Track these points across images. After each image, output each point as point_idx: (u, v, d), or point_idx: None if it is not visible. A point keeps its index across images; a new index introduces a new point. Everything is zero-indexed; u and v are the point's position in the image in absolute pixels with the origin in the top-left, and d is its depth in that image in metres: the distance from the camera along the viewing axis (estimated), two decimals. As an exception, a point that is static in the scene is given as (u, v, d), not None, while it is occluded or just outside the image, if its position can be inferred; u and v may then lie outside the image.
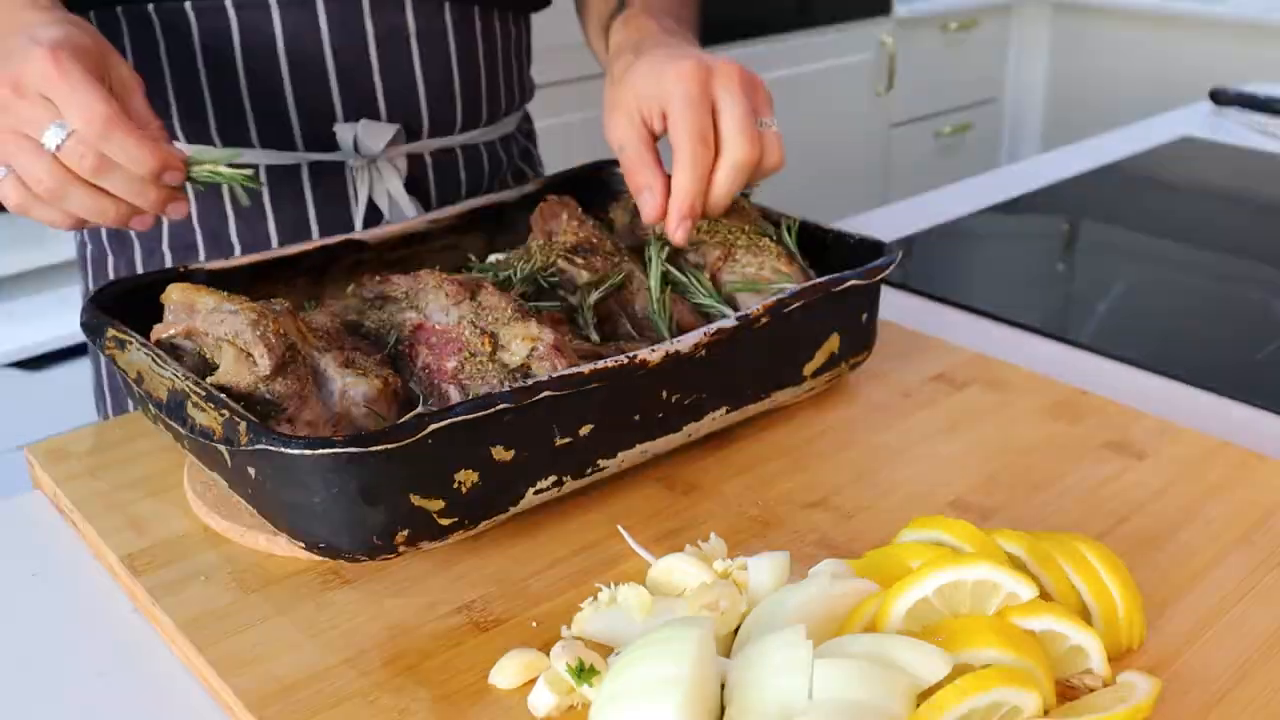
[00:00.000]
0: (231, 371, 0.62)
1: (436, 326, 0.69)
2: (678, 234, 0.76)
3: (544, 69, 1.98)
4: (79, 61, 0.67)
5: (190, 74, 0.90)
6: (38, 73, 0.67)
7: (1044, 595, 0.56)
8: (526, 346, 0.67)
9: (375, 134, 0.93)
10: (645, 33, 0.86)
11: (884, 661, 0.50)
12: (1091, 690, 0.55)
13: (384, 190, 0.95)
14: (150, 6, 0.88)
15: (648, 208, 0.78)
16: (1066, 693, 0.55)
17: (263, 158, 0.92)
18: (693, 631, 0.51)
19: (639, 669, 0.50)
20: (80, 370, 1.77)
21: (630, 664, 0.51)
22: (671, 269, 0.80)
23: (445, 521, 0.62)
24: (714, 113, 0.75)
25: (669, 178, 0.76)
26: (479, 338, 0.67)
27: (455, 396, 0.66)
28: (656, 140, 0.80)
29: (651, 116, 0.78)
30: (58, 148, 0.67)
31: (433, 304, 0.70)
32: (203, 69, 0.90)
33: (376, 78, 0.93)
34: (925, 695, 0.50)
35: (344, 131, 0.92)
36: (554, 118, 2.20)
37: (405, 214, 0.95)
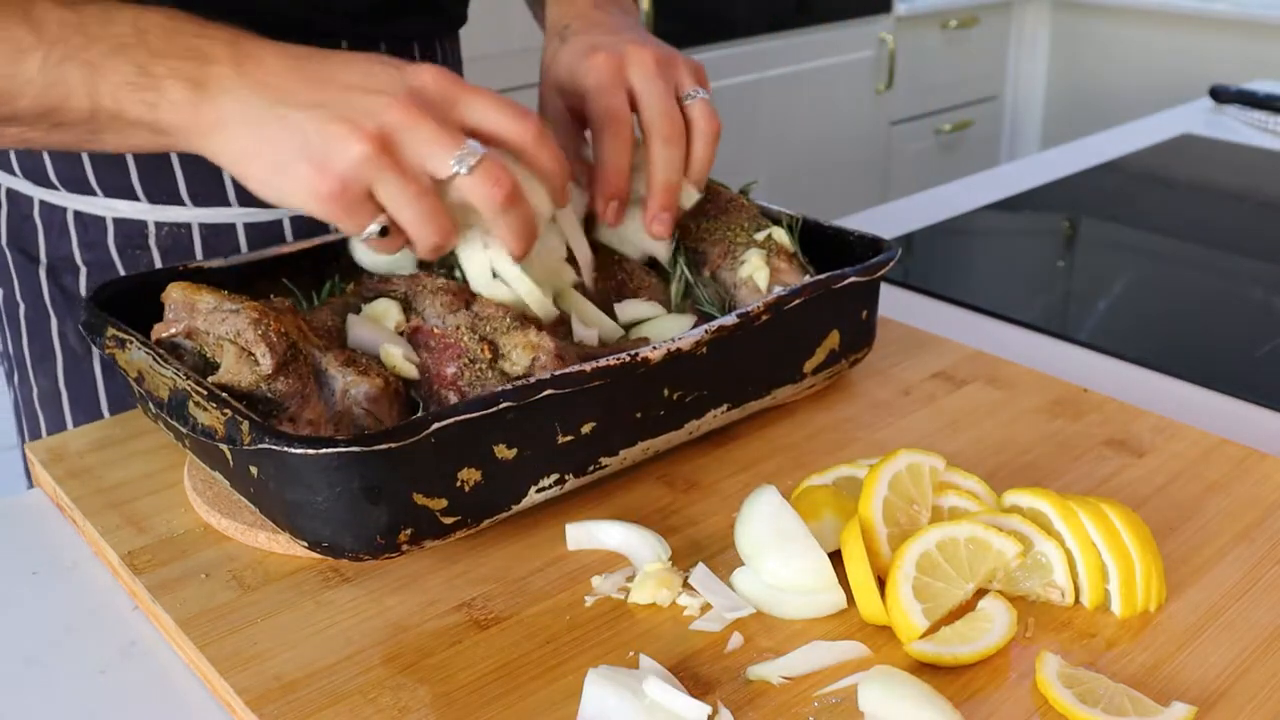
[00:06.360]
0: (233, 370, 0.62)
1: (435, 330, 0.69)
2: (609, 215, 0.78)
3: (513, 74, 1.99)
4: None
5: None
6: (434, 80, 0.64)
7: (1065, 552, 0.60)
8: (528, 355, 0.67)
9: None
10: (575, 12, 0.86)
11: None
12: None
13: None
14: None
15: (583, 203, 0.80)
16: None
17: (240, 216, 0.90)
18: None
19: None
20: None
21: None
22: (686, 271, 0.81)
23: (448, 520, 0.62)
24: (633, 96, 0.77)
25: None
26: (478, 345, 0.67)
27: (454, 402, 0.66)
28: (584, 128, 0.81)
29: (575, 107, 0.80)
30: (468, 171, 0.62)
31: (429, 308, 0.70)
32: None
33: None
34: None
35: None
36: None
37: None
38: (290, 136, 0.62)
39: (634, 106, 0.77)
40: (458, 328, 0.68)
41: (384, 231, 0.64)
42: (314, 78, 0.63)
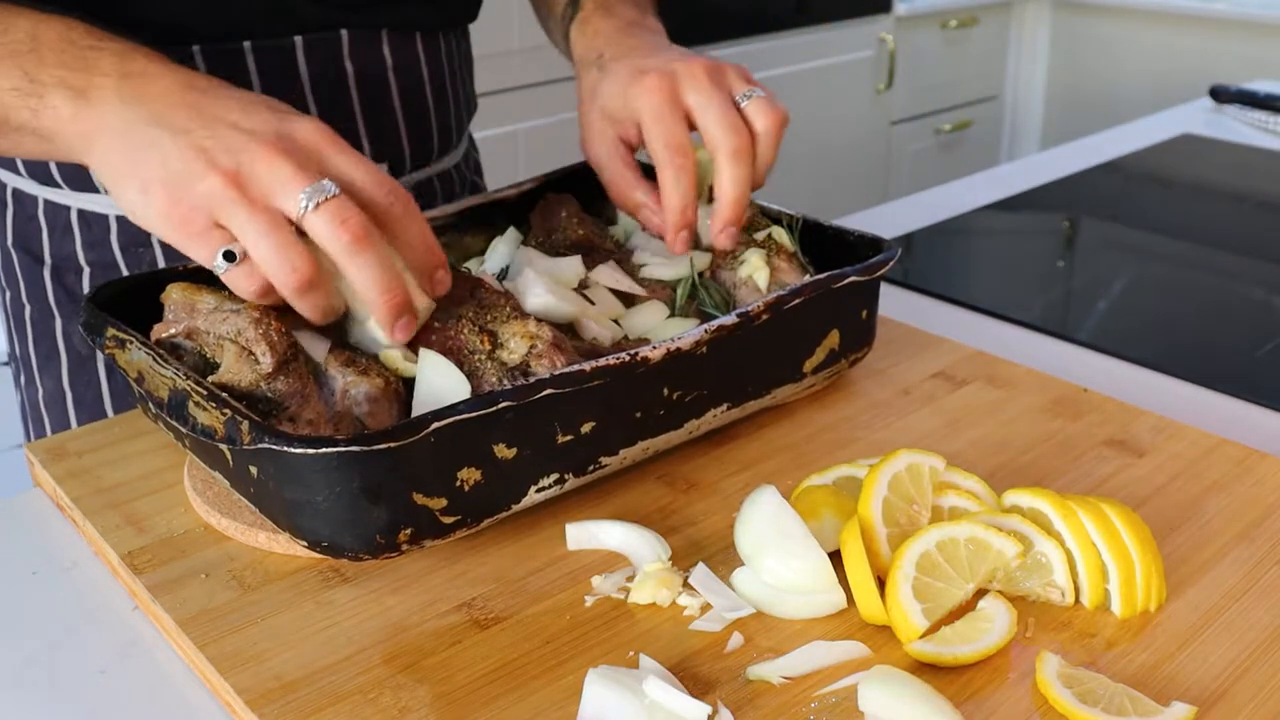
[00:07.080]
0: (233, 370, 0.62)
1: (435, 325, 0.69)
2: (677, 246, 0.79)
3: (513, 74, 1.98)
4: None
5: None
6: (308, 131, 0.63)
7: (1065, 552, 0.60)
8: (525, 344, 0.67)
9: None
10: (605, 39, 0.85)
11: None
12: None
13: None
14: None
15: (650, 225, 0.81)
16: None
17: None
18: None
19: None
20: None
21: None
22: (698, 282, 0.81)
23: (448, 520, 0.62)
24: (691, 115, 0.76)
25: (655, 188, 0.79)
26: (477, 336, 0.67)
27: (456, 394, 0.66)
28: (635, 152, 0.82)
29: (627, 134, 0.80)
30: (314, 207, 0.59)
31: (433, 301, 0.70)
32: None
33: (359, 119, 0.91)
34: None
35: None
36: (525, 122, 2.21)
37: None
38: (154, 159, 0.62)
39: (692, 124, 0.77)
40: (459, 319, 0.68)
41: (230, 256, 0.61)
42: (192, 104, 0.63)
